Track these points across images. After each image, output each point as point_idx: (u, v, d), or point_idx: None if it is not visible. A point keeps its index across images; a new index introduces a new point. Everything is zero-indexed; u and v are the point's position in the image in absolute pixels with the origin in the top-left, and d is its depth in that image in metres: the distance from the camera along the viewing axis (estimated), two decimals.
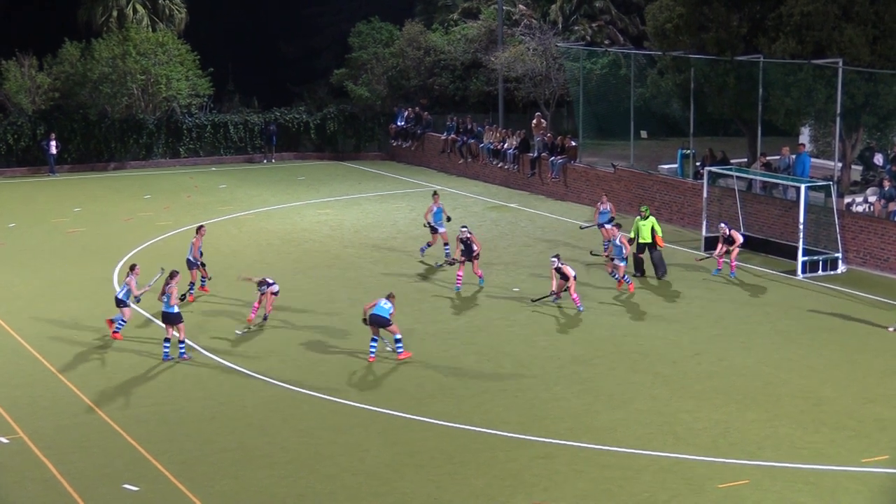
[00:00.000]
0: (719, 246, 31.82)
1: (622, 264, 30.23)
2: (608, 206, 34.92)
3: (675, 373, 24.33)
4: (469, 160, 49.63)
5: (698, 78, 39.87)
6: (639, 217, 32.04)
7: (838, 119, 35.72)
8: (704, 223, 35.55)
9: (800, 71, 36.76)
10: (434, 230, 33.46)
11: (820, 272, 32.33)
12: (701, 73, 39.80)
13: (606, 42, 55.88)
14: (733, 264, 31.71)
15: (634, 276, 31.48)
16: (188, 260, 29.99)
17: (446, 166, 51.02)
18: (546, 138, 46.10)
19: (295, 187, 47.77)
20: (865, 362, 24.96)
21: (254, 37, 66.52)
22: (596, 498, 18.36)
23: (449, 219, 34.14)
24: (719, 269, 31.79)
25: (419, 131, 53.20)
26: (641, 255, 31.87)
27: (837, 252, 32.63)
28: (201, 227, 30.83)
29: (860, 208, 34.75)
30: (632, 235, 31.96)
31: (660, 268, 31.75)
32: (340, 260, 34.58)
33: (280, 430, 21.30)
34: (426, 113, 53.78)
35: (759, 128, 38.59)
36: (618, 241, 30.25)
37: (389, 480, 19.09)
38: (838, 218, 32.75)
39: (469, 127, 50.27)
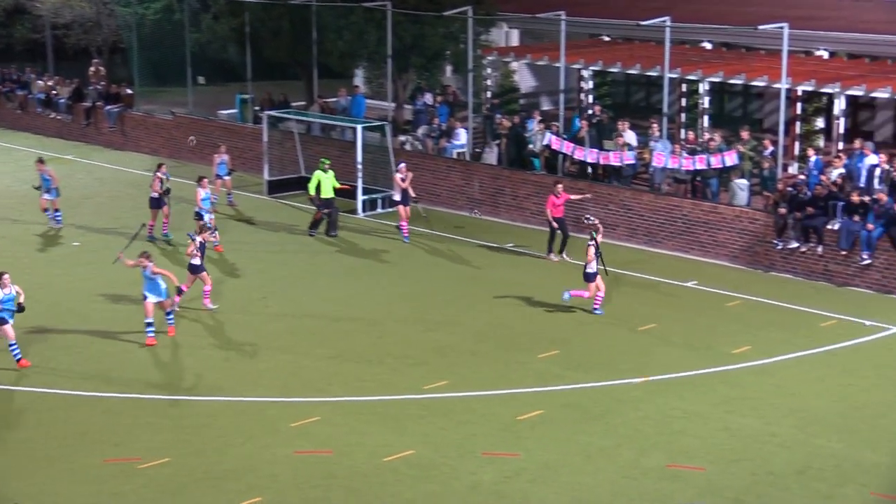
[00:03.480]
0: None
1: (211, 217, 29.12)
2: (226, 157, 33.78)
3: (245, 318, 24.47)
4: (18, 112, 47.23)
5: (253, 22, 39.93)
6: (319, 171, 30.66)
7: (389, 60, 36.95)
8: (266, 167, 35.79)
9: (351, 14, 37.68)
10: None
11: (379, 210, 33.44)
12: (256, 17, 39.88)
13: None
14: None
15: (310, 234, 30.51)
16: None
17: None
18: (101, 87, 44.70)
19: None
20: (425, 293, 26.15)
21: None
22: (170, 448, 18.20)
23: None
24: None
25: None
26: (328, 211, 30.54)
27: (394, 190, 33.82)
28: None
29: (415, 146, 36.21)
30: (311, 191, 30.68)
31: (334, 228, 30.71)
32: None
33: None
34: None
35: (315, 71, 39.25)
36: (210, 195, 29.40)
37: None
38: (393, 157, 33.94)
39: (15, 77, 47.78)
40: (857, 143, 28.98)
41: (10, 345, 21.42)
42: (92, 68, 46.15)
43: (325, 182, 30.57)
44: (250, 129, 39.17)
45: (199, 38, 43.36)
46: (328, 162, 31.10)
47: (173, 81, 44.77)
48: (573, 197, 28.97)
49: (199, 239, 24.80)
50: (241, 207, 33.68)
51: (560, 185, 28.59)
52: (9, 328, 21.35)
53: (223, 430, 18.90)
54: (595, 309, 24.54)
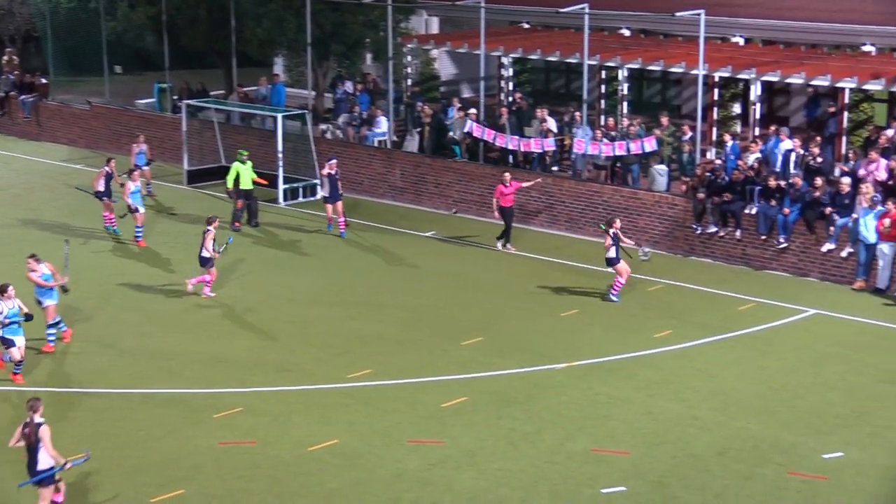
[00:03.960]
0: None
1: (143, 211, 28.86)
2: (144, 147, 33.47)
3: (166, 308, 24.27)
4: None
5: (170, 10, 39.53)
6: (238, 162, 30.17)
7: (309, 49, 36.77)
8: (185, 157, 35.46)
9: (270, 2, 37.42)
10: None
11: (301, 199, 33.28)
12: (172, 5, 39.47)
13: None
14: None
15: (234, 229, 29.75)
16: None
17: None
18: (14, 76, 43.97)
19: None
20: (348, 282, 26.10)
21: None
22: (91, 442, 17.90)
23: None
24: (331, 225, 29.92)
25: None
26: (249, 202, 30.15)
27: (316, 178, 33.66)
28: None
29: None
30: (230, 184, 30.33)
31: (255, 216, 30.40)
32: None
33: None
34: None
35: (234, 59, 38.94)
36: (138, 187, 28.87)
37: None
38: (314, 145, 33.78)
39: None
40: (772, 129, 29.40)
41: (18, 364, 20.24)
42: (5, 57, 45.37)
43: (245, 173, 30.24)
44: (169, 119, 38.77)
45: (115, 26, 42.82)
46: (246, 153, 30.78)
47: (89, 71, 44.17)
48: (524, 184, 28.86)
49: (212, 229, 24.79)
50: (161, 198, 33.33)
51: (507, 175, 28.27)
52: (15, 350, 20.01)
53: (145, 423, 18.74)
54: (611, 295, 24.57)
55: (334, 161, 30.06)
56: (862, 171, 26.47)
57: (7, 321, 19.85)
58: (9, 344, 20.00)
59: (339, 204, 29.66)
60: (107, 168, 29.62)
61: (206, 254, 24.69)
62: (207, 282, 24.96)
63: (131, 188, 28.71)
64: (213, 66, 42.93)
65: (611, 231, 24.30)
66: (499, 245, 28.33)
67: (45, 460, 15.35)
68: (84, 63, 44.97)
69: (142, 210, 28.85)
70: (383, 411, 19.17)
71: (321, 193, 30.23)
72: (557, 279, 26.08)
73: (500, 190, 27.98)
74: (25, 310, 20.18)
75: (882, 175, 26.15)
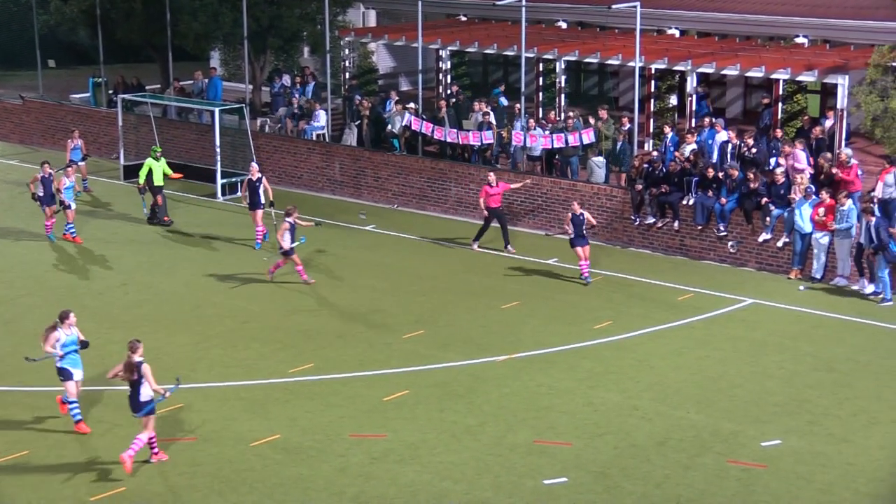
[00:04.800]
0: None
1: (74, 208, 28.43)
2: (79, 142, 33.09)
3: (103, 304, 24.05)
4: None
5: (104, 4, 39.09)
6: (151, 159, 29.70)
7: (246, 42, 36.56)
8: (121, 152, 35.12)
9: None
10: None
11: (238, 193, 33.01)
12: None
13: None
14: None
15: (151, 223, 29.62)
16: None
17: None
18: None
19: None
20: (288, 277, 25.89)
21: None
22: (30, 441, 17.86)
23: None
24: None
25: None
26: (160, 198, 29.71)
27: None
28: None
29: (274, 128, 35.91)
30: (142, 180, 29.78)
31: (164, 211, 29.95)
32: None
33: None
34: None
35: (170, 53, 38.60)
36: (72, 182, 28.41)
37: None
38: (252, 139, 33.58)
39: None
40: (707, 121, 29.67)
41: (72, 402, 18.26)
42: None
43: (157, 170, 29.82)
44: (104, 114, 38.36)
45: (48, 20, 42.31)
46: (160, 150, 30.35)
47: (22, 65, 43.64)
48: (513, 185, 28.52)
49: (289, 220, 24.84)
50: (97, 193, 33.02)
51: (492, 175, 27.84)
52: (71, 384, 18.18)
53: (85, 421, 18.52)
54: (586, 279, 25.31)
55: (255, 165, 28.68)
56: (782, 162, 26.79)
57: (62, 353, 18.10)
58: (67, 376, 18.18)
59: (259, 213, 27.94)
60: (41, 173, 28.79)
61: (285, 245, 24.77)
62: (299, 268, 25.10)
63: (66, 183, 28.33)
64: (149, 59, 42.54)
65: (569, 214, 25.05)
66: (475, 246, 27.79)
67: (146, 393, 16.87)
68: (16, 57, 44.43)
69: (73, 206, 28.47)
70: (325, 406, 19.13)
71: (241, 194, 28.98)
72: (498, 272, 26.16)
73: (486, 190, 27.46)
74: (82, 337, 18.49)
75: (802, 165, 26.55)
